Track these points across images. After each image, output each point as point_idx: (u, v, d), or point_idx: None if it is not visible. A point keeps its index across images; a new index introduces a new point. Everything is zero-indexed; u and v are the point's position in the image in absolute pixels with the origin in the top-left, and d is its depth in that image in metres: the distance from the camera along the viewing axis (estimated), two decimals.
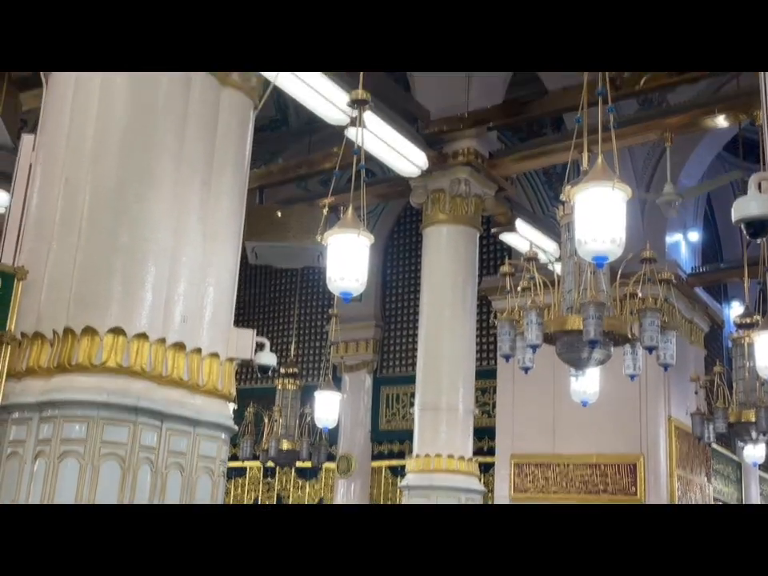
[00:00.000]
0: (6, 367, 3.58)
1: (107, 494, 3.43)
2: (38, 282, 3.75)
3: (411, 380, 9.36)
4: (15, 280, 3.66)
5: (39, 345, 3.66)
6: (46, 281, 3.76)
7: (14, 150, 5.10)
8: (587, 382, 5.53)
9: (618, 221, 3.41)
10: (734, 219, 2.90)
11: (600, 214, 3.39)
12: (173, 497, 3.63)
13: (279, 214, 7.30)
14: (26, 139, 4.16)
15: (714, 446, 9.97)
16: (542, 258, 7.08)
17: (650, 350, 4.64)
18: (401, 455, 10.83)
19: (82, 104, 4.00)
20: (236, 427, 4.14)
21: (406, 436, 10.68)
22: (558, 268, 5.25)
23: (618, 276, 4.99)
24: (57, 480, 3.42)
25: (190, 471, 3.73)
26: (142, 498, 3.52)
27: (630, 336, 4.76)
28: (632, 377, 4.95)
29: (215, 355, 3.96)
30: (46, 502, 3.39)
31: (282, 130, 11.33)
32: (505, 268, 5.23)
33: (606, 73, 3.69)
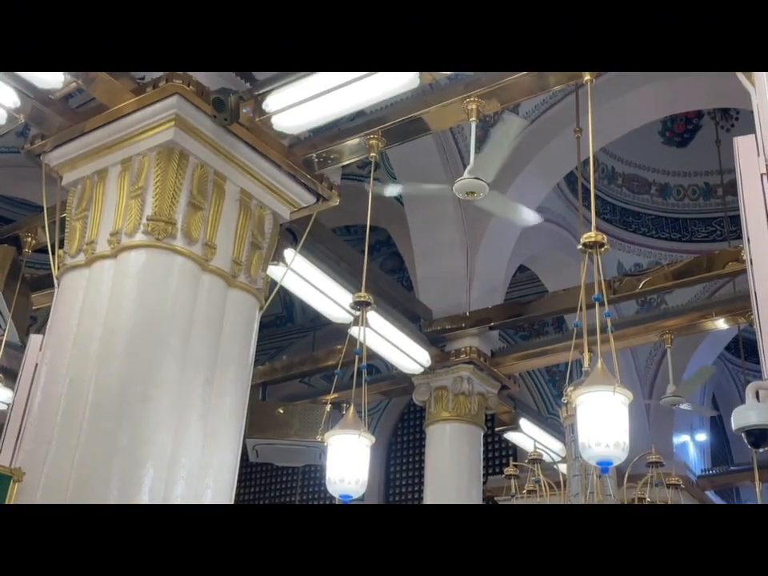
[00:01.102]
0: None
1: None
2: (34, 483, 3.69)
3: None
4: (11, 482, 3.61)
5: None
6: (43, 482, 3.70)
7: (21, 347, 5.18)
8: None
9: (620, 425, 3.38)
10: (733, 428, 2.88)
11: (602, 418, 3.36)
12: None
13: (281, 411, 7.28)
14: (34, 339, 4.23)
15: None
16: (547, 458, 6.97)
17: None
18: None
19: (91, 306, 4.10)
20: None
21: None
22: (563, 468, 5.17)
23: (626, 479, 4.91)
24: None
25: None
26: None
27: None
28: None
29: None
30: None
31: (287, 326, 11.53)
32: (509, 470, 5.16)
33: (602, 279, 3.79)
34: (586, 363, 4.58)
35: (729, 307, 6.79)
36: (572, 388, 4.58)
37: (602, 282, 3.71)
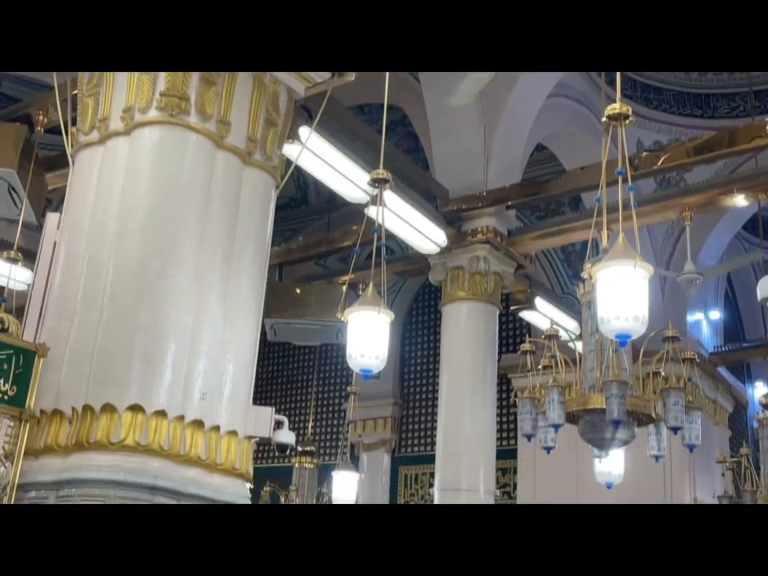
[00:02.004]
0: (24, 445, 3.55)
1: None
2: (58, 359, 3.75)
3: (430, 459, 9.21)
4: (36, 357, 3.67)
5: (58, 422, 3.64)
6: (67, 358, 3.76)
7: (38, 228, 5.18)
8: (612, 464, 5.42)
9: (640, 299, 3.38)
10: (759, 298, 2.87)
11: (622, 292, 3.36)
12: None
13: (298, 291, 7.33)
14: (51, 218, 4.22)
15: None
16: (563, 334, 7.04)
17: (675, 430, 4.56)
18: None
19: (107, 184, 4.06)
20: None
21: None
22: (579, 346, 5.21)
23: (641, 354, 4.94)
24: None
25: None
26: None
27: (654, 416, 4.69)
28: (657, 458, 4.85)
29: (234, 433, 3.92)
30: None
31: (302, 209, 11.49)
32: (525, 346, 5.19)
33: (625, 152, 3.71)
34: (604, 240, 4.54)
35: (750, 183, 6.68)
36: (590, 265, 4.57)
37: (626, 155, 3.64)
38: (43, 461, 3.63)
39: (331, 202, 10.42)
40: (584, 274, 4.35)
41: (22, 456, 3.55)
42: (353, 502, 8.48)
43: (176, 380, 3.75)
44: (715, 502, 8.16)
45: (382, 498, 11.26)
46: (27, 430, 3.59)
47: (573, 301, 9.22)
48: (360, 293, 5.80)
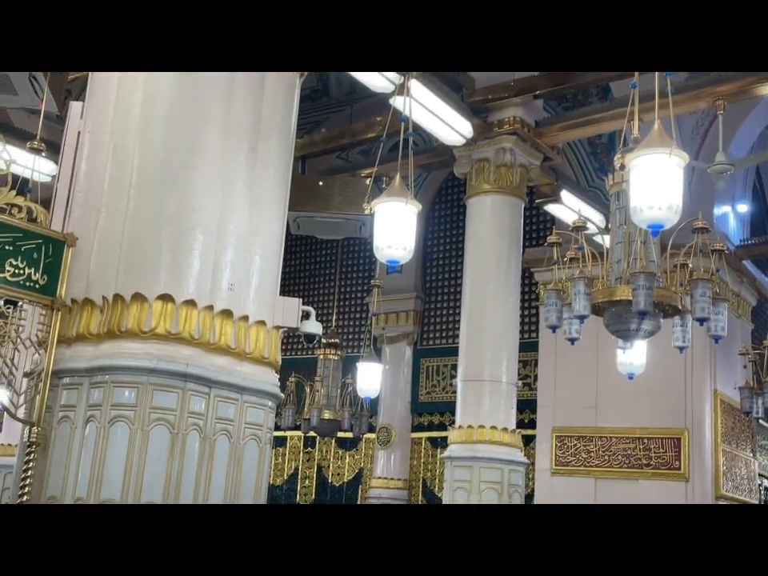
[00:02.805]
0: (56, 333, 3.61)
1: (156, 460, 3.45)
2: (87, 248, 3.76)
3: (451, 352, 9.33)
4: (65, 247, 3.68)
5: (89, 311, 3.68)
6: (95, 248, 3.77)
7: (58, 118, 5.12)
8: (634, 355, 5.47)
9: (674, 188, 3.33)
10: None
11: (656, 181, 3.31)
12: (221, 463, 3.64)
13: (321, 184, 7.28)
14: (75, 106, 4.15)
15: (761, 421, 9.84)
16: (591, 227, 6.99)
17: (701, 321, 4.57)
18: (441, 427, 10.86)
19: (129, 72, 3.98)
20: (282, 395, 4.14)
21: (446, 408, 10.69)
22: (606, 240, 5.17)
23: (669, 247, 4.90)
24: (107, 445, 3.44)
25: (238, 438, 3.74)
26: (191, 464, 3.53)
27: (680, 307, 4.69)
28: (681, 349, 4.89)
29: (262, 323, 3.96)
30: (96, 467, 3.42)
31: (323, 100, 11.30)
32: (552, 238, 5.18)
33: None
34: (635, 130, 4.45)
35: None
36: (620, 156, 4.49)
37: None
38: (76, 348, 3.68)
39: (353, 93, 10.23)
40: (616, 163, 4.28)
41: (55, 344, 3.60)
42: (377, 392, 8.64)
43: (204, 270, 3.76)
44: (736, 393, 8.24)
45: (405, 389, 11.46)
46: (59, 318, 3.63)
47: (599, 194, 9.11)
48: (384, 186, 5.75)
